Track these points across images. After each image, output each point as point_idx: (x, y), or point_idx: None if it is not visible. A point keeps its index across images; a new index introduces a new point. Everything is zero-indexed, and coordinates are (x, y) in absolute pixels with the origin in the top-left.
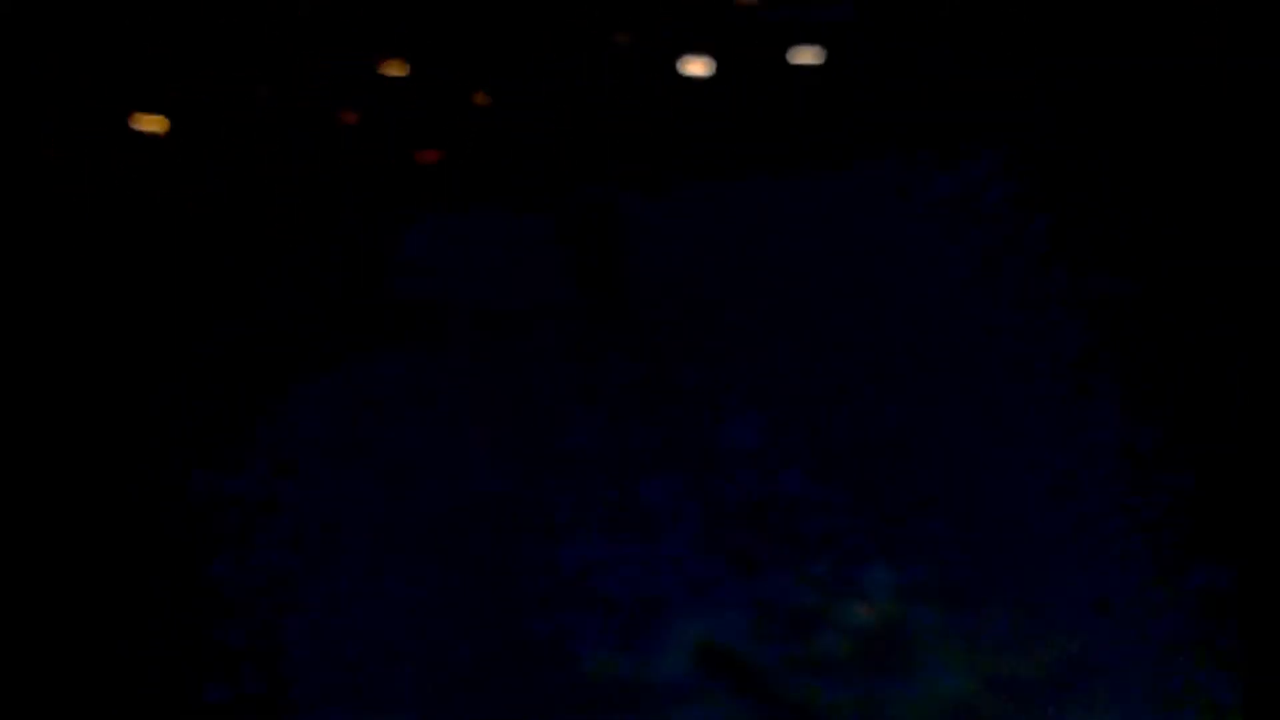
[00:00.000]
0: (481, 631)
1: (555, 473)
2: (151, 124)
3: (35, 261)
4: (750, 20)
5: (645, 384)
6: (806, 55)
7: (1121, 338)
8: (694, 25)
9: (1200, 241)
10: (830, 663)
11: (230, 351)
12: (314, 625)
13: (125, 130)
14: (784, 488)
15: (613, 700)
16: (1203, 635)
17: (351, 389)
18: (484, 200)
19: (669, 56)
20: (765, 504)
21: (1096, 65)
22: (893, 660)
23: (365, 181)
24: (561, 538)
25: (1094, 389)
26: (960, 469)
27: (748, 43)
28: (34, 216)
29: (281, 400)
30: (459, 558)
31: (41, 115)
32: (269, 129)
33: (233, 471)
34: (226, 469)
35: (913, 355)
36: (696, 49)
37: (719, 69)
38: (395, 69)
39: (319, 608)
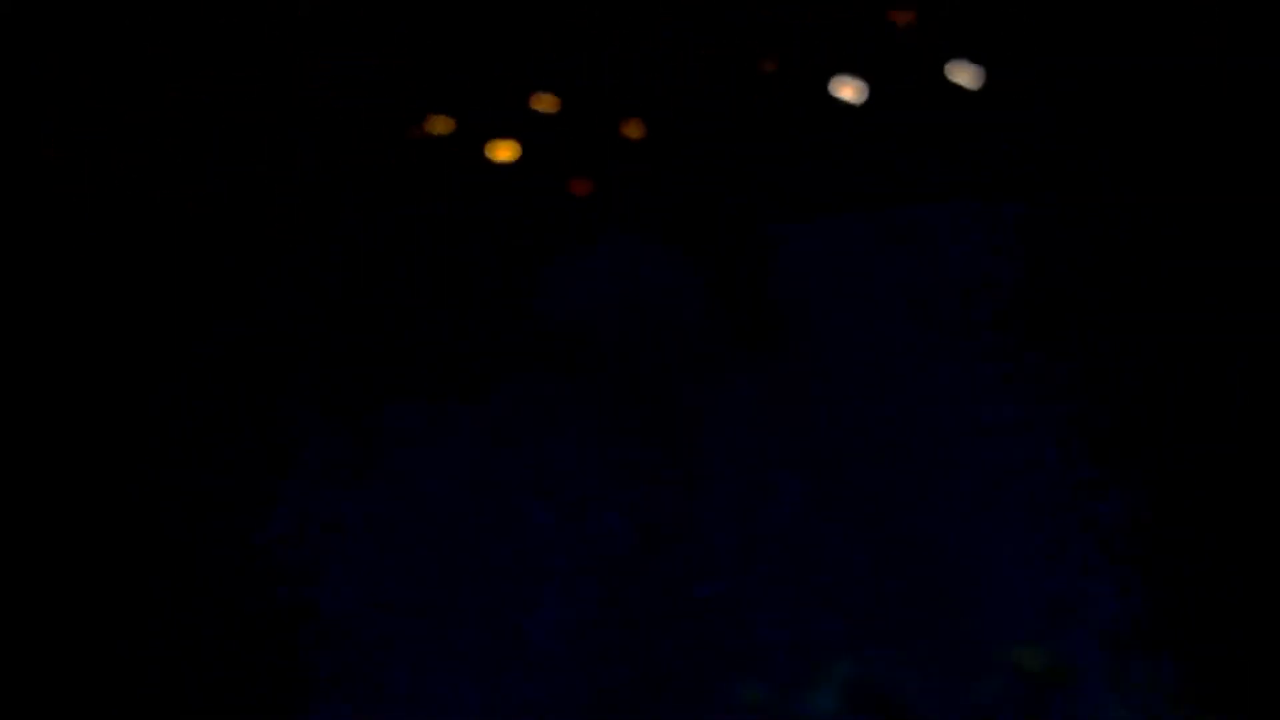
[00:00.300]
0: (628, 659)
1: (690, 501)
2: (503, 152)
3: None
4: (906, 41)
5: (787, 419)
6: (963, 75)
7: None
8: (844, 49)
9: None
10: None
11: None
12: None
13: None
14: (922, 525)
15: None
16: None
17: (485, 410)
18: (629, 228)
19: (818, 82)
20: (905, 540)
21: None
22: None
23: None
24: (701, 566)
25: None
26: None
27: (903, 64)
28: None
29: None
30: (552, 586)
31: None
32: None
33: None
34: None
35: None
36: (847, 72)
37: (872, 93)
38: (546, 104)
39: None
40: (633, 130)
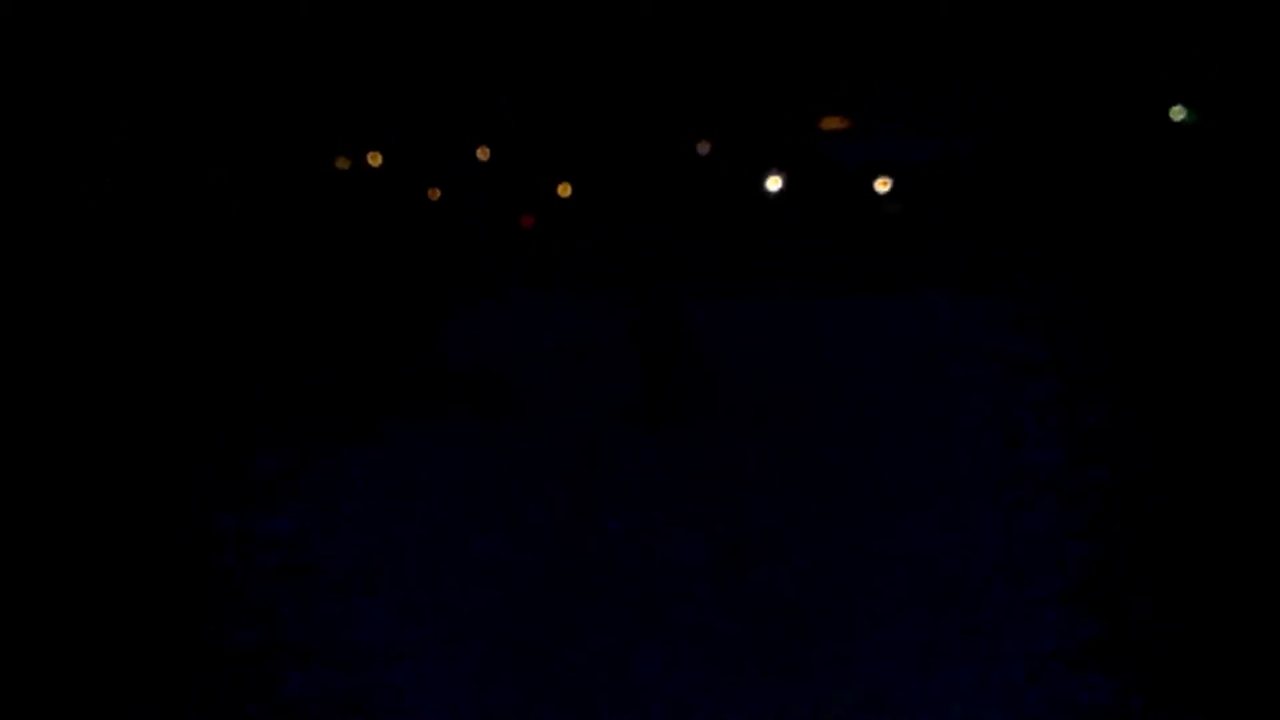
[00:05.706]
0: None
1: (587, 554)
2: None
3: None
4: (829, 148)
5: (686, 477)
6: (882, 185)
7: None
8: (773, 143)
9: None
10: None
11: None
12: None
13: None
14: (808, 589)
15: None
16: None
17: (396, 450)
18: (558, 285)
19: (748, 169)
20: (794, 604)
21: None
22: None
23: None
24: (590, 621)
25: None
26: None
27: (822, 168)
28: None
29: (327, 454)
30: (480, 622)
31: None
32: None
33: (263, 511)
34: (253, 508)
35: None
36: (773, 165)
37: (792, 187)
38: (481, 153)
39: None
40: (562, 190)
